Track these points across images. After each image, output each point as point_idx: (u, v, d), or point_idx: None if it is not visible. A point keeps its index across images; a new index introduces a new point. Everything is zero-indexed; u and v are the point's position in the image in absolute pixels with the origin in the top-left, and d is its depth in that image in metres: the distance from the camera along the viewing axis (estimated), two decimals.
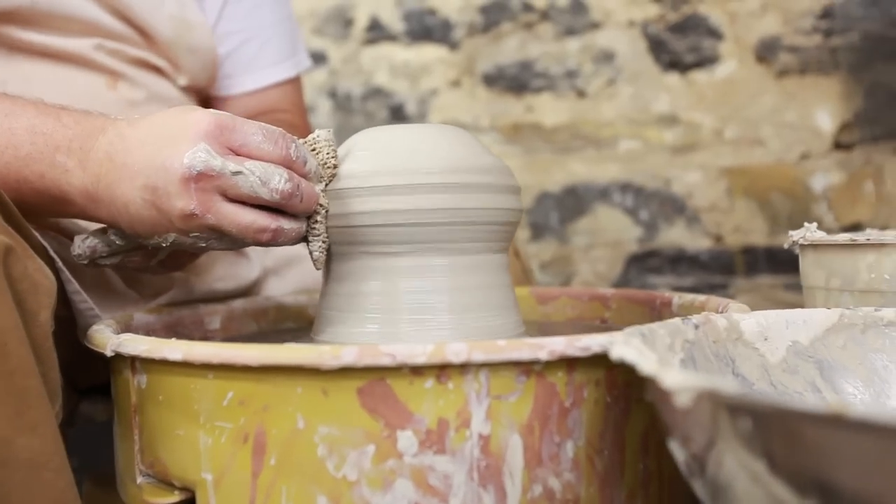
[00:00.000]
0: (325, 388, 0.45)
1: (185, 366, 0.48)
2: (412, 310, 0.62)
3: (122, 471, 0.56)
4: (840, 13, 1.34)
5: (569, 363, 0.46)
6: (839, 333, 0.53)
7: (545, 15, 1.59)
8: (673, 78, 1.49)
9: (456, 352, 0.43)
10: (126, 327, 0.65)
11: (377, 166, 0.62)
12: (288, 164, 0.56)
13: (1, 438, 0.41)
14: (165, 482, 0.51)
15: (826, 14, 1.36)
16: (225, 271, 0.80)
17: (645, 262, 1.52)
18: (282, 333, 0.80)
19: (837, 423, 0.26)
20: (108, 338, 0.53)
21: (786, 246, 0.69)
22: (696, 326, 0.49)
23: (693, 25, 1.47)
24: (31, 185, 0.57)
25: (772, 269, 1.42)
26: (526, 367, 0.45)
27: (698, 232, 1.48)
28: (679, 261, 1.50)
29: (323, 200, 0.61)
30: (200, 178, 0.53)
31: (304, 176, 0.58)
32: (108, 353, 0.52)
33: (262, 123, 0.57)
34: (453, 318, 0.62)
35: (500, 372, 0.45)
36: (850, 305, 0.59)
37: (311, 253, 0.62)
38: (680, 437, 0.35)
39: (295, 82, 0.98)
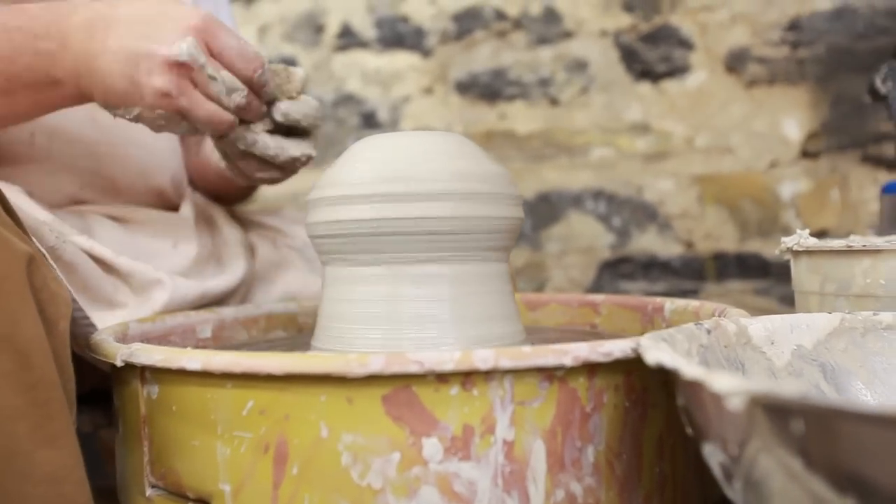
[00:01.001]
0: (350, 396, 0.45)
1: (202, 375, 0.47)
2: (414, 318, 0.62)
3: (128, 483, 0.55)
4: (807, 26, 1.38)
5: (590, 369, 0.47)
6: (840, 337, 0.54)
7: (518, 23, 1.60)
8: (645, 87, 1.52)
9: (483, 358, 0.44)
10: (123, 337, 0.64)
11: (381, 174, 0.62)
12: (248, 82, 0.65)
13: (22, 452, 0.40)
14: (178, 494, 0.50)
15: (793, 26, 1.39)
16: (214, 273, 0.80)
17: (617, 269, 1.54)
18: (274, 342, 0.80)
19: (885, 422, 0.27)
20: (116, 347, 0.52)
21: (777, 252, 0.71)
22: (709, 331, 0.50)
23: (664, 36, 1.50)
24: (22, 80, 0.61)
25: (741, 274, 1.45)
26: (549, 374, 0.46)
27: (670, 238, 1.50)
28: (651, 267, 1.52)
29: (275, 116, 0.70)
30: (183, 66, 0.61)
31: (258, 95, 0.67)
32: (118, 363, 0.51)
33: (243, 40, 0.65)
34: (456, 327, 0.62)
35: (523, 378, 0.45)
36: (845, 310, 0.60)
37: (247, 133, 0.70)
38: (718, 440, 0.35)
39: None
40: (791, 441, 0.32)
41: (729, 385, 0.30)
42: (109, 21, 0.62)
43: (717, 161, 1.46)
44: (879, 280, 0.58)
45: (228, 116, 0.65)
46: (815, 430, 0.30)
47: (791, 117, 1.40)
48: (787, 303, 1.40)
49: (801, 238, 0.66)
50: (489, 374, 0.45)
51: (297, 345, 0.75)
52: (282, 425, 0.46)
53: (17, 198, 0.66)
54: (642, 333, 0.77)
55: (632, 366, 0.48)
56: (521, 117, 1.60)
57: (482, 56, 1.62)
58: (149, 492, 0.52)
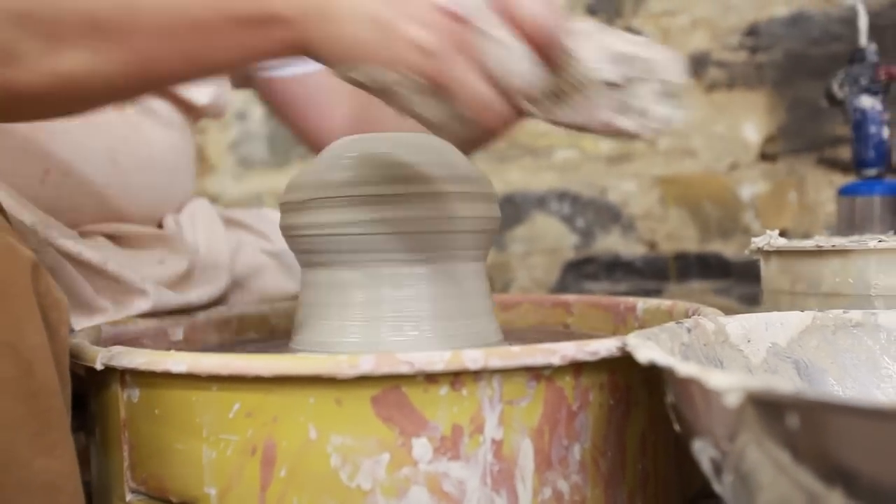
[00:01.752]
0: (339, 397, 0.45)
1: (187, 378, 0.47)
2: (393, 318, 0.62)
3: (106, 488, 0.54)
4: (764, 32, 1.41)
5: (576, 368, 0.47)
6: (812, 335, 0.56)
7: None
8: None
9: (473, 358, 0.44)
10: (96, 340, 0.63)
11: (360, 175, 0.62)
12: (546, 47, 0.46)
13: (21, 460, 0.40)
14: (161, 498, 0.50)
15: (751, 32, 1.42)
16: (199, 282, 0.79)
17: (581, 269, 1.56)
18: (246, 344, 0.79)
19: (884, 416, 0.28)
20: (95, 351, 0.51)
21: (746, 252, 0.72)
22: (689, 330, 0.51)
23: None
24: (229, 9, 0.47)
25: (703, 274, 1.48)
26: (536, 373, 0.46)
27: (633, 239, 1.52)
28: (614, 267, 1.54)
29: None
30: (456, 19, 0.44)
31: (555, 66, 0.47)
32: (98, 367, 0.50)
33: None
34: (434, 326, 0.62)
35: (512, 378, 0.46)
36: (815, 308, 0.62)
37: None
38: (709, 436, 0.36)
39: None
40: (780, 435, 0.33)
41: (725, 382, 0.31)
42: None
43: (679, 163, 1.48)
44: (848, 279, 0.60)
45: (503, 107, 0.46)
46: (806, 425, 0.31)
47: (750, 121, 1.43)
48: (747, 302, 1.43)
49: (771, 239, 0.67)
50: (478, 374, 0.45)
51: (271, 347, 0.74)
52: (269, 427, 0.45)
53: (5, 199, 0.64)
54: (615, 333, 0.79)
55: (616, 364, 0.48)
56: None
57: None
58: (129, 496, 0.51)
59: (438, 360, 0.44)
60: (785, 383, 0.30)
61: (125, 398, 0.51)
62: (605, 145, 1.54)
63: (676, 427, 0.42)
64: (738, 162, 1.44)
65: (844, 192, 1.08)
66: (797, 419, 0.30)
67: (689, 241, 1.49)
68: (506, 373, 0.45)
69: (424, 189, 0.61)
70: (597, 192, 1.54)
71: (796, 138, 1.40)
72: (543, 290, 1.58)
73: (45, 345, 0.41)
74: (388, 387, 0.44)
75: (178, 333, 0.76)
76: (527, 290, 1.58)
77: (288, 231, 0.66)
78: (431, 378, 0.45)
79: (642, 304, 0.77)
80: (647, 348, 0.39)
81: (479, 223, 0.64)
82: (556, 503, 0.47)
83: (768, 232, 0.69)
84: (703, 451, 0.38)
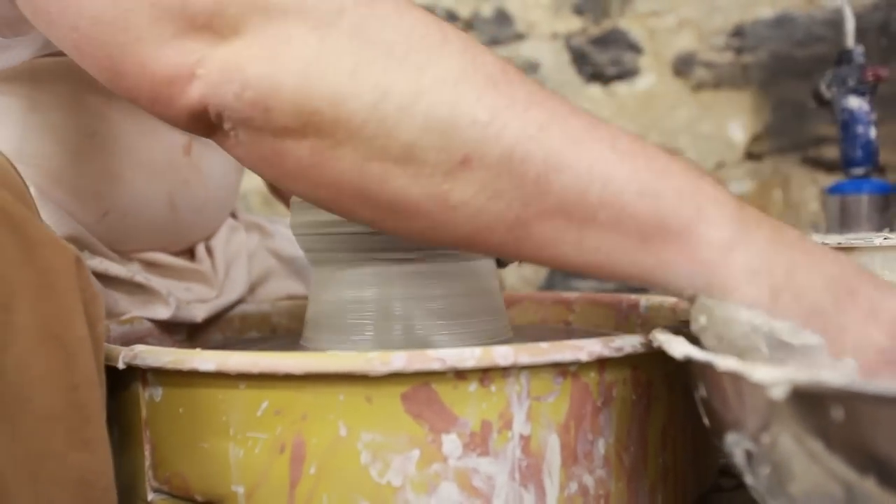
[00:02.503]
0: (369, 394, 0.45)
1: (214, 376, 0.47)
2: (406, 316, 0.62)
3: (127, 488, 0.53)
4: (750, 32, 1.43)
5: (600, 364, 0.48)
6: None
7: (469, 25, 1.62)
8: (595, 89, 1.55)
9: (503, 355, 0.44)
10: (106, 339, 0.62)
11: None
12: None
13: (56, 454, 0.39)
14: (185, 497, 0.50)
15: (737, 33, 1.45)
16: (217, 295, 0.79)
17: None
18: (249, 342, 0.79)
19: None
20: (117, 350, 0.50)
21: None
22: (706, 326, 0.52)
23: (614, 39, 1.53)
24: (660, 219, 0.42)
25: None
26: (563, 369, 0.47)
27: None
28: None
29: None
30: None
31: None
32: (121, 366, 0.50)
33: None
34: (447, 324, 0.62)
35: (539, 374, 0.46)
36: None
37: None
38: (745, 429, 0.37)
39: None
40: (814, 425, 0.34)
41: (771, 375, 0.32)
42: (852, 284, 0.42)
43: None
44: None
45: None
46: (849, 416, 0.32)
47: (736, 120, 1.45)
48: None
49: None
50: (506, 371, 0.45)
51: (277, 346, 0.74)
52: (299, 425, 0.46)
53: (49, 214, 0.64)
54: (616, 330, 0.80)
55: (638, 360, 0.49)
56: None
57: None
58: (151, 496, 0.51)
59: (469, 356, 0.44)
60: (834, 376, 0.31)
61: (147, 397, 0.51)
62: None
63: (706, 421, 0.42)
64: (724, 161, 1.47)
65: (833, 190, 1.10)
66: (842, 411, 0.31)
67: None
68: (533, 369, 0.46)
69: None
70: None
71: (781, 138, 1.42)
72: (532, 288, 1.59)
73: (87, 338, 0.41)
74: (418, 384, 0.45)
75: (181, 332, 0.76)
76: (515, 289, 1.59)
77: (298, 229, 0.66)
78: (461, 374, 0.45)
79: (645, 301, 0.78)
80: (681, 344, 0.40)
81: None
82: (582, 497, 0.47)
83: None
84: (737, 444, 0.38)
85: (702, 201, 0.43)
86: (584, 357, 0.46)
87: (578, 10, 1.56)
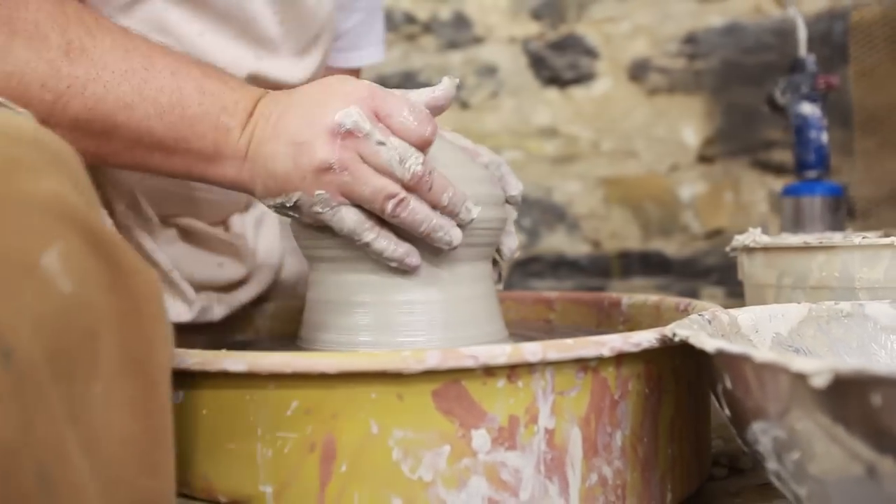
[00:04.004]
0: (400, 392, 0.46)
1: (241, 377, 0.47)
2: (405, 322, 0.63)
3: None
4: (702, 40, 1.49)
5: (617, 359, 0.50)
6: (809, 325, 0.60)
7: (428, 28, 1.63)
8: (553, 93, 1.58)
9: (532, 351, 0.46)
10: None
11: None
12: (424, 146, 0.57)
13: (127, 478, 0.38)
14: (207, 499, 0.49)
15: (689, 40, 1.50)
16: (249, 284, 0.79)
17: (527, 268, 1.60)
18: (236, 346, 0.78)
19: None
20: None
21: (727, 250, 0.77)
22: (710, 321, 0.55)
23: (571, 44, 1.57)
24: (188, 144, 0.57)
25: (644, 271, 1.54)
26: (584, 364, 0.48)
27: (578, 238, 1.57)
28: (559, 265, 1.58)
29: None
30: (347, 136, 0.55)
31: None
32: None
33: (414, 103, 0.58)
34: (446, 328, 0.63)
35: (562, 369, 0.48)
36: (802, 300, 0.67)
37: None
38: (774, 418, 0.39)
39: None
40: (835, 411, 0.36)
41: (814, 366, 0.34)
42: (284, 106, 0.58)
43: (622, 164, 1.54)
44: (834, 273, 0.65)
45: (395, 189, 0.56)
46: (887, 402, 0.34)
47: (689, 124, 1.50)
48: (688, 297, 1.50)
49: (755, 236, 0.72)
50: (533, 367, 0.47)
51: (268, 348, 0.74)
52: (329, 424, 0.46)
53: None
54: (598, 327, 0.82)
55: (650, 355, 0.51)
56: None
57: (392, 59, 1.63)
58: None
59: (500, 353, 0.45)
60: (879, 366, 0.33)
61: None
62: (550, 147, 1.58)
63: (727, 412, 0.45)
64: (677, 164, 1.51)
65: (788, 192, 1.15)
66: (880, 398, 0.33)
67: (632, 239, 1.55)
68: (558, 365, 0.47)
69: None
70: (542, 193, 1.59)
71: (732, 141, 1.48)
72: None
73: (169, 365, 0.40)
74: (449, 381, 0.46)
75: (183, 316, 0.75)
76: None
77: (297, 232, 0.66)
78: (490, 371, 0.46)
79: (627, 299, 0.81)
80: (711, 338, 0.42)
81: (489, 224, 0.66)
82: (602, 488, 0.49)
83: (751, 229, 0.74)
84: (765, 432, 0.41)
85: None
86: (606, 352, 0.48)
87: (536, 15, 1.59)
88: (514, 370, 0.47)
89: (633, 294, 0.81)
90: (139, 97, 0.57)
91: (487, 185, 0.66)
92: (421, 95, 0.60)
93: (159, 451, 0.39)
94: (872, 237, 0.64)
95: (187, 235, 0.74)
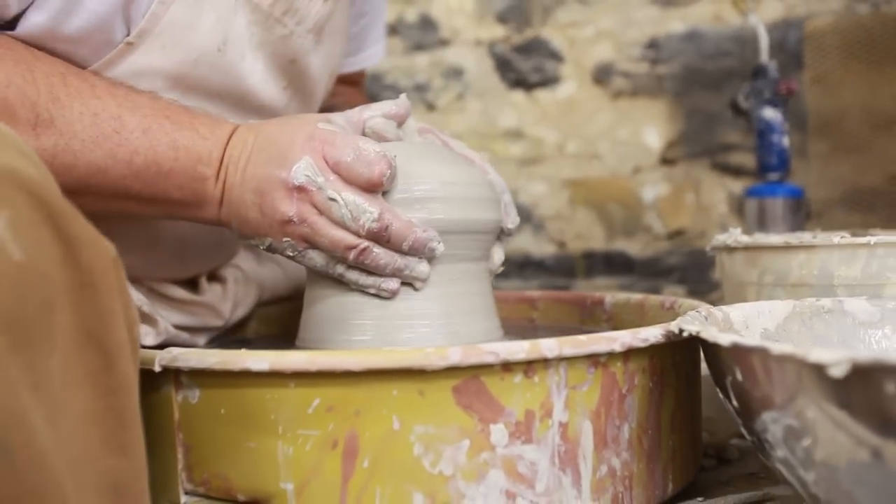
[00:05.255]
0: (422, 388, 0.47)
1: (261, 376, 0.47)
2: (405, 316, 0.64)
3: (156, 493, 0.52)
4: (664, 45, 1.53)
5: (625, 354, 0.52)
6: (794, 320, 0.63)
7: (394, 29, 1.64)
8: (518, 95, 1.60)
9: (549, 347, 0.47)
10: None
11: None
12: (373, 189, 0.58)
13: (92, 457, 0.38)
14: (224, 498, 0.50)
15: (652, 45, 1.53)
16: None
17: None
18: (231, 345, 0.78)
19: None
20: (151, 353, 0.50)
21: (708, 249, 0.80)
22: (706, 318, 0.57)
23: (536, 48, 1.59)
24: (167, 195, 0.58)
25: (608, 271, 1.58)
26: (594, 360, 0.50)
27: (543, 238, 1.60)
28: (526, 266, 1.61)
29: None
30: (301, 190, 0.57)
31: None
32: (157, 369, 0.49)
33: (362, 143, 0.58)
34: (444, 323, 0.64)
35: (575, 365, 0.49)
36: (782, 297, 0.70)
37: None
38: (786, 407, 0.42)
39: None
40: (839, 398, 0.39)
41: (829, 356, 0.37)
42: (250, 150, 0.59)
43: (586, 166, 1.57)
44: (813, 271, 0.68)
45: (353, 241, 0.58)
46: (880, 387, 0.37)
47: (651, 127, 1.54)
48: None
49: (736, 236, 0.75)
50: (548, 362, 0.48)
51: (263, 348, 0.74)
52: (352, 421, 0.47)
53: None
54: (582, 325, 0.84)
55: (654, 351, 0.53)
56: None
57: None
58: (184, 499, 0.51)
59: (519, 349, 0.47)
60: (893, 356, 0.36)
61: (180, 400, 0.50)
62: (516, 148, 1.61)
63: (735, 404, 0.47)
64: (640, 166, 1.55)
65: (752, 193, 1.20)
66: (893, 386, 0.36)
67: (596, 240, 1.58)
68: (571, 360, 0.49)
69: (438, 193, 0.63)
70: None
71: (693, 144, 1.52)
72: None
73: (126, 341, 0.40)
74: (469, 377, 0.47)
75: (148, 338, 0.74)
76: None
77: None
78: (507, 367, 0.48)
79: (610, 297, 0.83)
80: (725, 333, 0.44)
81: (485, 225, 0.67)
82: (611, 479, 0.51)
83: (731, 229, 0.77)
84: (775, 421, 0.43)
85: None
86: (618, 347, 0.50)
87: (502, 19, 1.61)
88: (530, 366, 0.48)
89: (616, 293, 0.83)
90: (112, 160, 0.57)
91: (482, 188, 0.67)
92: (374, 121, 0.64)
93: (126, 432, 0.39)
94: (849, 237, 0.68)
95: (153, 295, 0.73)
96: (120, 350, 0.40)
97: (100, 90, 0.58)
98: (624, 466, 0.52)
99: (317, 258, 0.60)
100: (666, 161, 1.54)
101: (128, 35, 0.60)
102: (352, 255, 0.59)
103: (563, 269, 1.59)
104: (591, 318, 0.85)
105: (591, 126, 1.56)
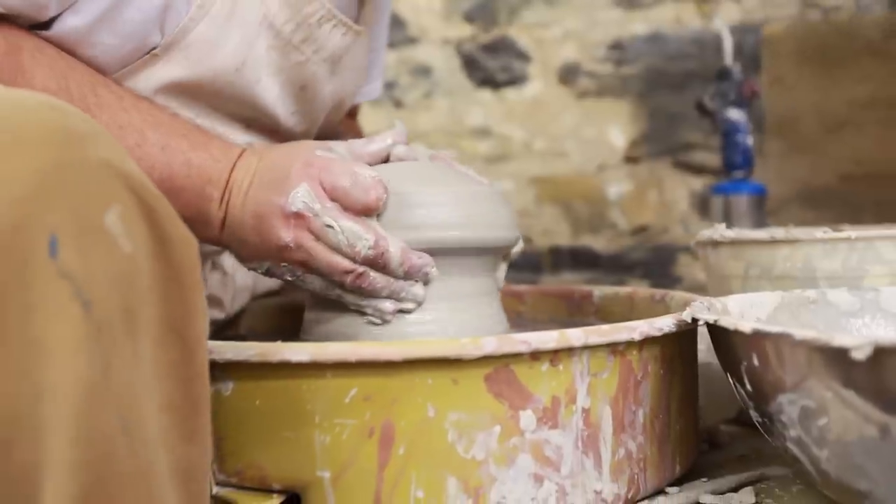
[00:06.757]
0: (455, 377, 0.49)
1: (299, 367, 0.49)
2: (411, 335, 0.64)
3: None
4: (628, 47, 1.57)
5: (640, 343, 0.54)
6: (783, 310, 0.67)
7: None
8: (486, 94, 1.63)
9: (576, 336, 0.50)
10: None
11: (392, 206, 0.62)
12: (369, 213, 0.60)
13: (169, 443, 0.40)
14: (258, 488, 0.51)
15: (616, 46, 1.58)
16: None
17: None
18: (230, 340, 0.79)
19: None
20: None
21: (692, 244, 0.83)
22: (708, 308, 0.60)
23: (504, 47, 1.62)
24: (177, 212, 0.59)
25: (574, 266, 1.62)
26: (613, 348, 0.53)
27: None
28: None
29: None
30: (298, 217, 0.58)
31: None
32: None
33: (358, 168, 0.60)
34: (451, 317, 0.65)
35: (596, 353, 0.52)
36: (767, 290, 0.74)
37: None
38: (802, 389, 0.45)
39: None
40: (847, 377, 0.42)
41: (855, 340, 0.40)
42: (252, 174, 0.61)
43: (553, 164, 1.61)
44: (797, 264, 0.72)
45: (349, 266, 0.59)
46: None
47: (616, 126, 1.58)
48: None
49: (722, 231, 0.78)
50: (572, 351, 0.51)
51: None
52: (388, 409, 0.48)
53: None
54: (570, 318, 0.87)
55: (665, 339, 0.56)
56: (366, 119, 1.64)
57: None
58: (215, 489, 0.52)
59: (548, 338, 0.49)
60: None
61: (213, 392, 0.51)
62: (484, 146, 1.63)
63: (749, 388, 0.50)
64: (605, 164, 1.59)
65: (717, 190, 1.24)
66: None
67: (562, 236, 1.62)
68: (593, 349, 0.52)
69: (454, 220, 0.63)
70: None
71: (656, 143, 1.57)
72: None
73: (205, 334, 0.42)
74: (500, 365, 0.49)
75: None
76: None
77: None
78: (535, 355, 0.50)
79: (598, 291, 0.86)
80: (747, 320, 0.47)
81: (503, 241, 0.67)
82: (628, 461, 0.54)
83: (716, 225, 0.80)
84: (792, 403, 0.46)
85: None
86: (637, 336, 0.52)
87: (469, 18, 1.64)
88: (556, 354, 0.50)
89: (604, 286, 0.86)
90: None
91: (491, 204, 0.66)
92: (398, 149, 0.67)
93: (198, 419, 0.41)
94: (831, 232, 0.72)
95: None
96: (199, 342, 0.41)
97: (126, 103, 0.60)
98: (639, 449, 0.55)
99: (315, 282, 0.62)
100: (630, 159, 1.58)
101: (156, 46, 0.61)
102: (348, 280, 0.60)
103: (529, 264, 1.62)
104: (579, 311, 0.88)
105: (557, 125, 1.60)
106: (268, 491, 0.51)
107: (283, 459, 0.50)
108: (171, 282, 0.40)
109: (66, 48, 0.59)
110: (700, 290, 0.99)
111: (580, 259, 1.61)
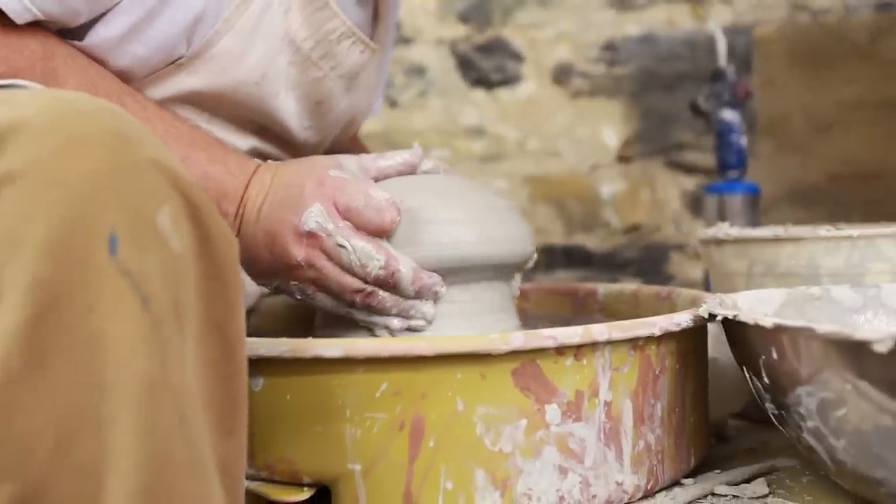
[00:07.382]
0: (483, 371, 0.50)
1: (330, 362, 0.50)
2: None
3: None
4: (620, 47, 1.59)
5: (658, 339, 0.56)
6: (789, 307, 0.69)
7: None
8: (480, 94, 1.64)
9: (600, 332, 0.51)
10: None
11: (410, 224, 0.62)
12: (381, 234, 0.60)
13: (207, 439, 0.40)
14: (288, 482, 0.52)
15: (609, 47, 1.59)
16: None
17: None
18: None
19: None
20: None
21: (694, 242, 0.85)
22: (721, 303, 0.62)
23: (497, 48, 1.63)
24: None
25: (568, 265, 1.63)
26: (634, 343, 0.54)
27: None
28: None
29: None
30: (311, 236, 0.59)
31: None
32: None
33: (372, 190, 0.60)
34: (460, 319, 0.66)
35: (618, 348, 0.53)
36: (771, 287, 0.75)
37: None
38: (821, 381, 0.46)
39: None
40: (860, 369, 0.44)
41: (877, 334, 0.41)
42: (266, 190, 0.61)
43: (546, 163, 1.62)
44: (801, 261, 0.74)
45: (360, 286, 0.60)
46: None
47: (609, 126, 1.60)
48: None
49: (726, 230, 0.80)
50: (595, 346, 0.52)
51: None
52: (418, 403, 0.50)
53: None
54: (575, 316, 0.88)
55: (681, 335, 0.58)
56: None
57: None
58: (245, 483, 0.53)
59: (573, 334, 0.50)
60: None
61: None
62: (478, 146, 1.64)
63: (766, 381, 0.52)
64: (598, 163, 1.61)
65: (712, 190, 1.26)
66: None
67: (556, 234, 1.63)
68: (614, 344, 0.53)
69: (474, 237, 0.63)
70: None
71: (648, 143, 1.59)
72: None
73: (244, 329, 0.42)
74: (527, 360, 0.50)
75: None
76: None
77: None
78: (560, 350, 0.51)
79: (603, 289, 0.87)
80: (770, 316, 0.49)
81: (519, 257, 0.68)
82: (647, 453, 0.55)
83: (719, 224, 0.82)
84: (811, 395, 0.48)
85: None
86: (657, 332, 0.54)
87: (463, 18, 1.65)
88: (580, 349, 0.52)
89: (609, 284, 0.88)
90: None
91: (507, 219, 0.67)
92: (383, 169, 0.66)
93: (237, 415, 0.42)
94: (834, 230, 0.74)
95: None
96: (239, 340, 0.42)
97: (150, 113, 0.61)
98: (657, 441, 0.56)
99: (325, 300, 0.62)
100: (622, 159, 1.60)
101: (182, 56, 0.62)
102: (359, 299, 0.60)
103: None
104: (583, 308, 0.89)
105: (551, 125, 1.61)
106: (298, 485, 0.52)
107: (313, 453, 0.51)
108: (214, 280, 0.41)
109: (96, 58, 0.60)
110: (692, 287, 1.00)
111: (573, 258, 1.63)
